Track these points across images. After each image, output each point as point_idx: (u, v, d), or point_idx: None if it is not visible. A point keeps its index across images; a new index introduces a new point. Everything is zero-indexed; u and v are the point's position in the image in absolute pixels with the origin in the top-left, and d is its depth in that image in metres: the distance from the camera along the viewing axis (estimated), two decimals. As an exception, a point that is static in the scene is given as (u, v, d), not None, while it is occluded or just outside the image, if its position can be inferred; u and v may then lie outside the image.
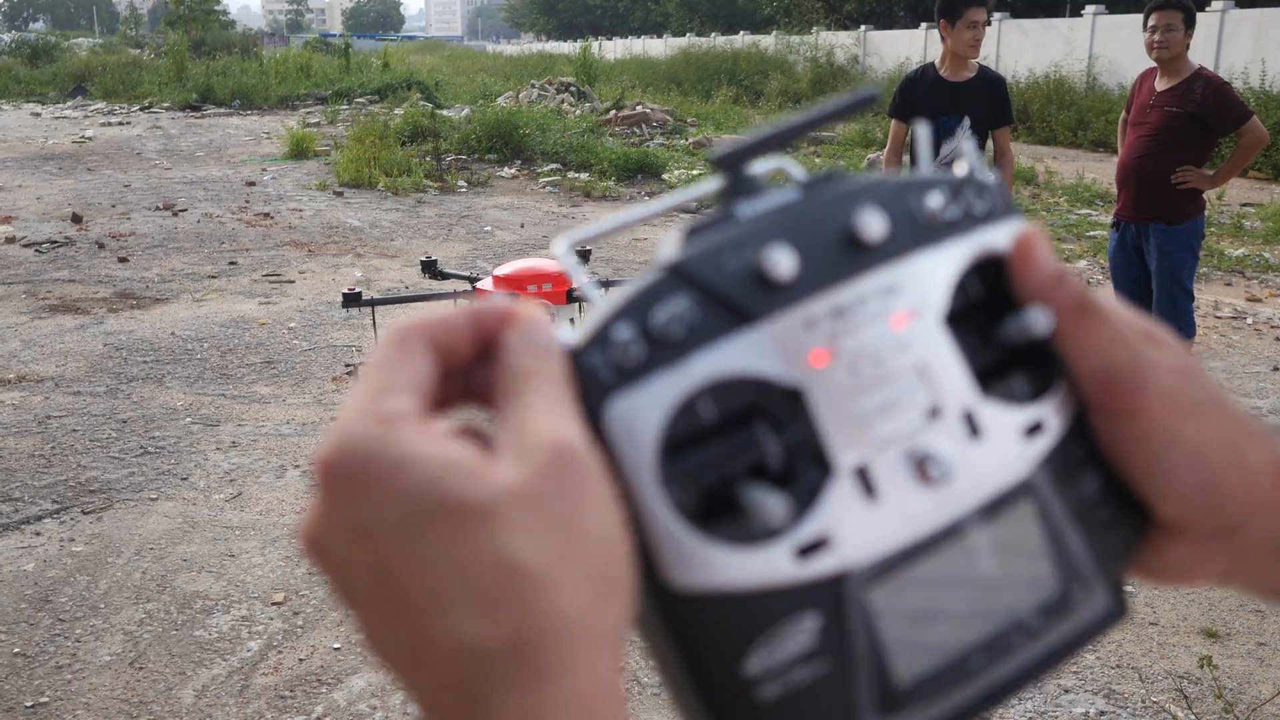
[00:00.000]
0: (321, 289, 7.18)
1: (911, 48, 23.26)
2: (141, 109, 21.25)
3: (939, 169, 0.37)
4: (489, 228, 9.43)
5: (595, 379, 0.31)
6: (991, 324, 0.36)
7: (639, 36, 44.73)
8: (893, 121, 4.70)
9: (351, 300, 4.95)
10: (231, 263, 7.94)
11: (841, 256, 0.34)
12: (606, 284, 5.62)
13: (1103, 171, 11.83)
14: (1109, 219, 5.44)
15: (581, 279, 0.35)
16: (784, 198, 0.35)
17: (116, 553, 3.51)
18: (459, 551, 0.27)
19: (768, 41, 28.19)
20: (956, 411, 0.34)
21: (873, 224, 0.34)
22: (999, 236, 0.36)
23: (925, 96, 4.54)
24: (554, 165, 12.72)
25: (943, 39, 4.56)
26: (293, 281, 7.40)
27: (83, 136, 15.99)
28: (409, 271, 7.59)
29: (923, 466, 0.33)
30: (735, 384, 0.32)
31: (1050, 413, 0.36)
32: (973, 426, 0.34)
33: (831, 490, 0.33)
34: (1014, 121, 4.71)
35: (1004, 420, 0.35)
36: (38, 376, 5.30)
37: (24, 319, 6.37)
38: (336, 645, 2.98)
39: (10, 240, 8.59)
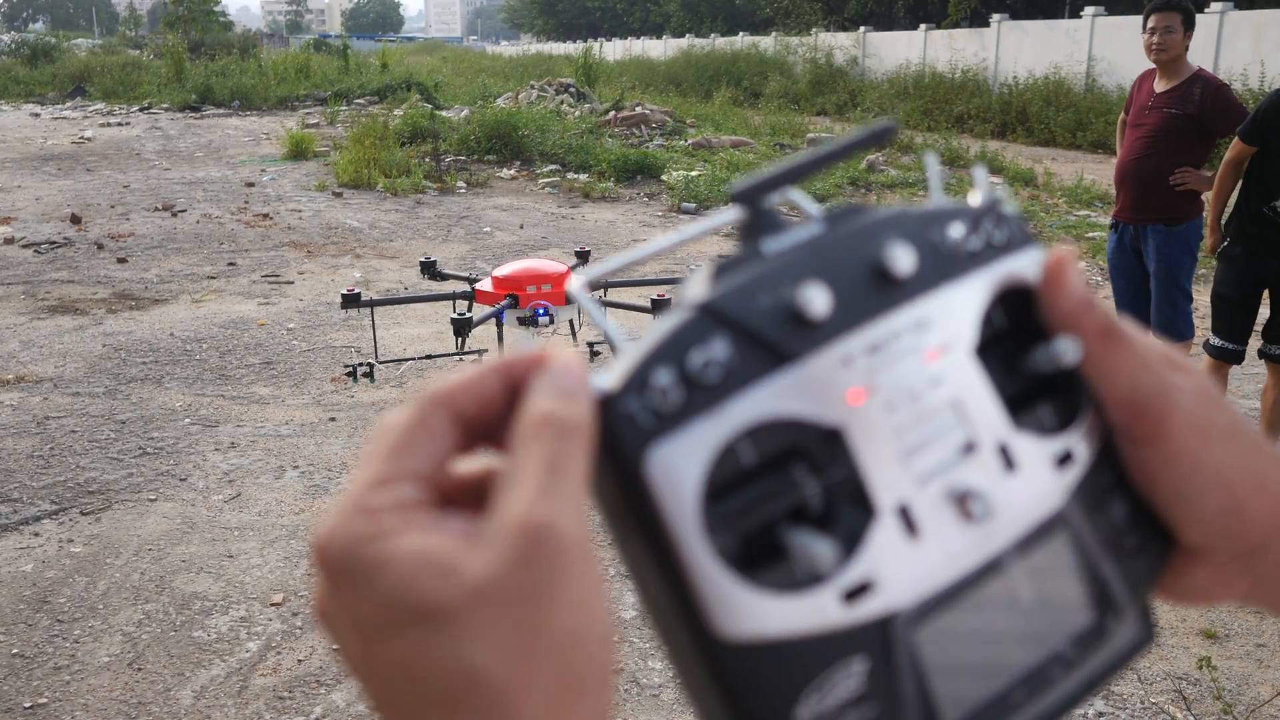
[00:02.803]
0: (320, 290, 7.17)
1: (911, 49, 23.27)
2: (140, 110, 21.25)
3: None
4: (488, 228, 9.43)
5: (634, 426, 0.31)
6: (1016, 354, 0.36)
7: (638, 37, 44.74)
8: (1238, 140, 4.06)
9: (350, 301, 4.95)
10: (230, 263, 7.94)
11: (873, 292, 0.34)
12: (605, 285, 5.62)
13: (1102, 173, 11.84)
14: (1108, 220, 5.44)
15: (605, 323, 0.34)
16: (809, 232, 0.35)
17: (115, 554, 3.50)
18: (425, 658, 0.28)
19: (767, 43, 28.19)
20: (992, 445, 0.34)
21: (903, 258, 0.34)
22: (1020, 265, 0.36)
23: None
24: (553, 166, 12.73)
25: None
26: (291, 282, 7.40)
27: (82, 137, 15.98)
28: (408, 272, 7.59)
29: (964, 503, 0.33)
30: (776, 426, 0.32)
31: (1078, 441, 0.36)
32: (1008, 459, 0.34)
33: (875, 531, 0.32)
34: None
35: (1037, 451, 0.35)
36: (36, 377, 5.30)
37: (23, 320, 6.37)
38: (335, 646, 2.97)
39: (9, 241, 8.59)
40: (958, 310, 0.34)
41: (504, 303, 4.97)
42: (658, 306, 5.04)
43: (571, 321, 5.54)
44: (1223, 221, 4.22)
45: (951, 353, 0.34)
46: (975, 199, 0.37)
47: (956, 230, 0.36)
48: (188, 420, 4.74)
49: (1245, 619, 3.17)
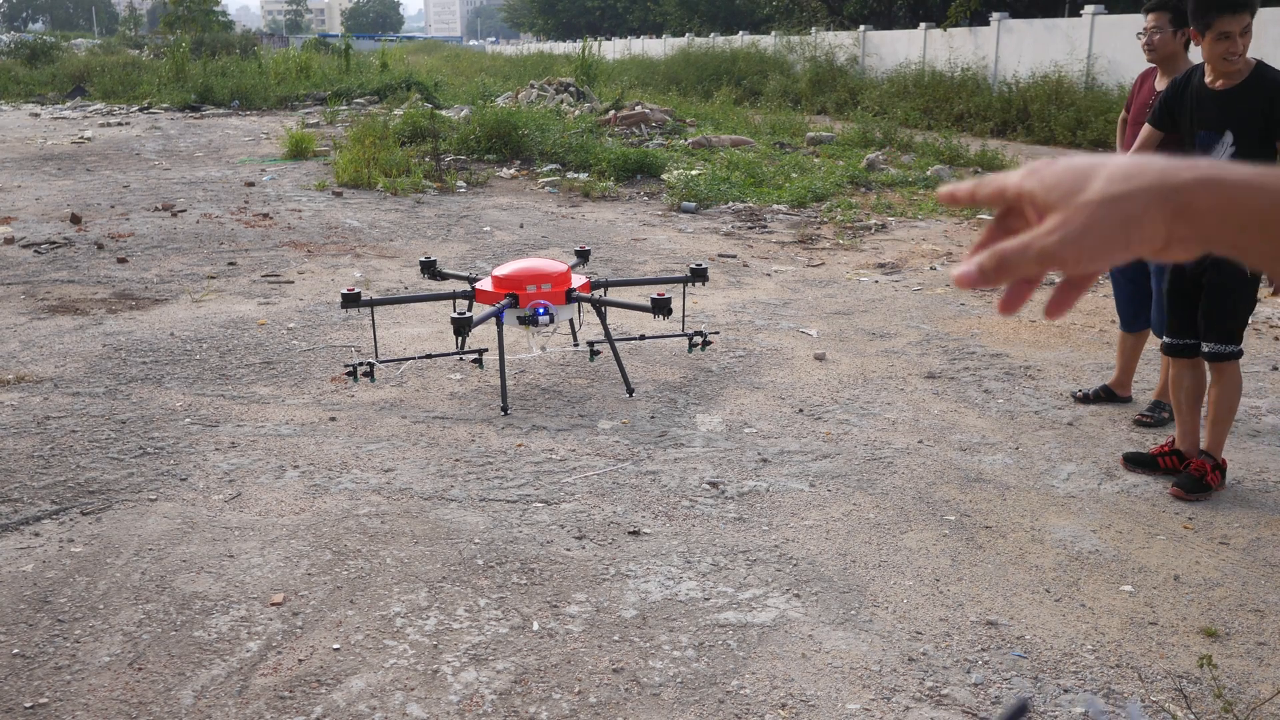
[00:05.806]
0: (321, 289, 7.18)
1: (911, 48, 23.26)
2: (140, 109, 21.24)
3: None
4: (488, 228, 9.43)
5: None
6: None
7: (638, 36, 44.71)
8: (1147, 125, 4.11)
9: (351, 301, 4.98)
10: (230, 263, 7.94)
11: None
12: (605, 285, 5.60)
13: (1102, 171, 11.79)
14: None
15: None
16: None
17: (115, 553, 3.50)
18: None
19: (767, 41, 28.17)
20: None
21: None
22: None
23: (1188, 107, 3.89)
24: (553, 165, 12.72)
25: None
26: (292, 282, 7.40)
27: (82, 137, 15.98)
28: (408, 272, 7.59)
29: None
30: None
31: None
32: None
33: None
34: None
35: None
36: (36, 377, 5.30)
37: (23, 320, 6.37)
38: (336, 646, 2.98)
39: (9, 241, 8.59)
40: None
41: (504, 302, 4.98)
42: (658, 306, 5.05)
43: (571, 321, 5.55)
44: None
45: None
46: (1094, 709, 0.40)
47: None
48: (188, 420, 4.74)
49: (1246, 617, 3.17)
